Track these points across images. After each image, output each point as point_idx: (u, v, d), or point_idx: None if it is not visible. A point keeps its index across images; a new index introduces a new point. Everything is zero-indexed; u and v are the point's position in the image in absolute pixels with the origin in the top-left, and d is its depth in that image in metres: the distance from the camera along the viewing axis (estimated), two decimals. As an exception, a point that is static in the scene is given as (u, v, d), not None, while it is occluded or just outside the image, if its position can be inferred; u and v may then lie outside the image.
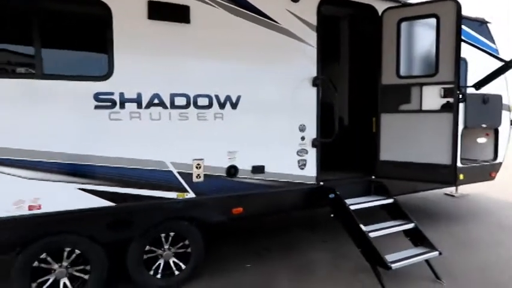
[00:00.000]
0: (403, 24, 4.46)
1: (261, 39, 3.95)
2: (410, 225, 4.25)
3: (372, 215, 4.31)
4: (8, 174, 3.01)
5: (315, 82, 4.27)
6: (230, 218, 3.96)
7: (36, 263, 3.21)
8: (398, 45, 4.48)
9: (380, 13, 4.59)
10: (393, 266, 3.69)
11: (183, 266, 3.81)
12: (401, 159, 4.55)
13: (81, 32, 3.45)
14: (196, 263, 3.85)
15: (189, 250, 3.82)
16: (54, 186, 3.17)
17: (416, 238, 4.23)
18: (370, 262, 3.87)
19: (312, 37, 4.24)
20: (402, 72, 4.50)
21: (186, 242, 3.81)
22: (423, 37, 4.39)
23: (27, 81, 3.09)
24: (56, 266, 3.30)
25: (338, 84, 5.68)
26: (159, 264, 3.73)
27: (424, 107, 4.37)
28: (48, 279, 3.28)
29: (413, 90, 4.43)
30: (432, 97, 4.30)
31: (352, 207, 4.19)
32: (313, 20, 4.25)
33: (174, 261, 3.79)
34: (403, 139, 4.53)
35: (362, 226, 3.94)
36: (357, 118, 5.54)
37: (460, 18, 4.07)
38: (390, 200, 4.52)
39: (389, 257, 3.79)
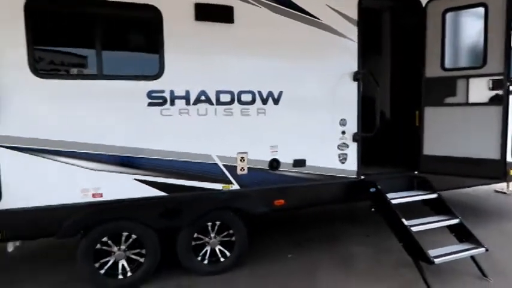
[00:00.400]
0: (449, 15, 4.34)
1: (302, 35, 4.05)
2: (455, 221, 4.16)
3: (416, 211, 4.26)
4: (76, 165, 3.37)
5: (356, 77, 4.30)
6: (272, 210, 4.12)
7: (98, 246, 3.56)
8: (443, 36, 4.37)
9: (424, 4, 4.50)
10: (436, 260, 3.66)
11: (228, 254, 4.02)
12: (447, 153, 4.46)
13: (135, 35, 3.75)
14: (240, 251, 4.05)
15: (233, 239, 4.03)
16: (113, 176, 3.50)
17: (462, 234, 4.13)
18: (412, 256, 3.85)
19: (352, 31, 4.26)
20: (447, 64, 4.39)
21: (231, 231, 4.01)
22: (470, 27, 4.26)
23: (89, 81, 3.42)
24: (115, 249, 3.64)
25: (380, 77, 5.61)
26: (206, 251, 3.97)
27: (470, 100, 4.25)
28: (108, 261, 3.63)
29: (459, 83, 4.31)
30: (480, 89, 4.17)
31: (393, 201, 4.18)
32: (353, 14, 4.26)
33: (219, 249, 4.02)
34: (449, 133, 4.43)
35: (404, 220, 3.93)
36: (399, 112, 5.46)
37: (510, 6, 3.90)
38: (434, 195, 4.44)
39: (432, 252, 3.75)
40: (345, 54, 4.26)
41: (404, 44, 5.21)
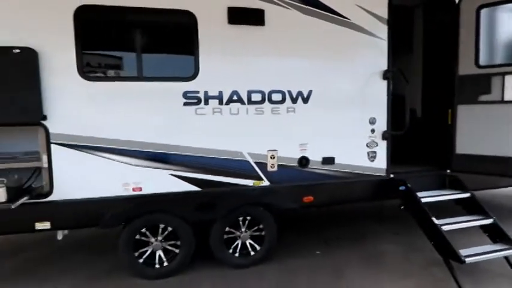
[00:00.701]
0: (483, 11, 4.25)
1: (331, 35, 4.11)
2: (489, 221, 4.09)
3: (450, 210, 4.22)
4: (119, 161, 3.63)
5: (386, 75, 4.31)
6: (301, 206, 4.22)
7: (138, 236, 3.82)
8: (478, 33, 4.28)
9: (457, 1, 4.43)
10: (467, 260, 3.63)
11: (258, 248, 4.17)
12: (480, 152, 4.37)
13: (171, 38, 3.96)
14: (269, 246, 4.19)
15: (263, 233, 4.17)
16: (151, 172, 3.73)
17: (496, 234, 4.06)
18: (443, 255, 3.83)
19: (382, 30, 4.28)
20: (482, 61, 4.30)
21: (261, 226, 4.16)
22: (505, 23, 4.15)
23: (131, 83, 3.66)
24: (153, 240, 3.88)
25: (411, 75, 5.56)
26: (237, 244, 4.14)
27: (506, 98, 4.15)
28: (146, 251, 3.88)
29: (494, 80, 4.22)
30: (516, 87, 4.07)
31: (424, 200, 4.17)
32: (383, 12, 4.27)
33: (250, 243, 4.17)
34: (483, 131, 4.34)
35: (434, 219, 3.91)
36: (431, 110, 5.39)
37: (550, 1, 3.79)
38: (467, 194, 4.37)
39: (463, 251, 3.72)
40: (374, 53, 4.28)
41: (437, 42, 5.14)
